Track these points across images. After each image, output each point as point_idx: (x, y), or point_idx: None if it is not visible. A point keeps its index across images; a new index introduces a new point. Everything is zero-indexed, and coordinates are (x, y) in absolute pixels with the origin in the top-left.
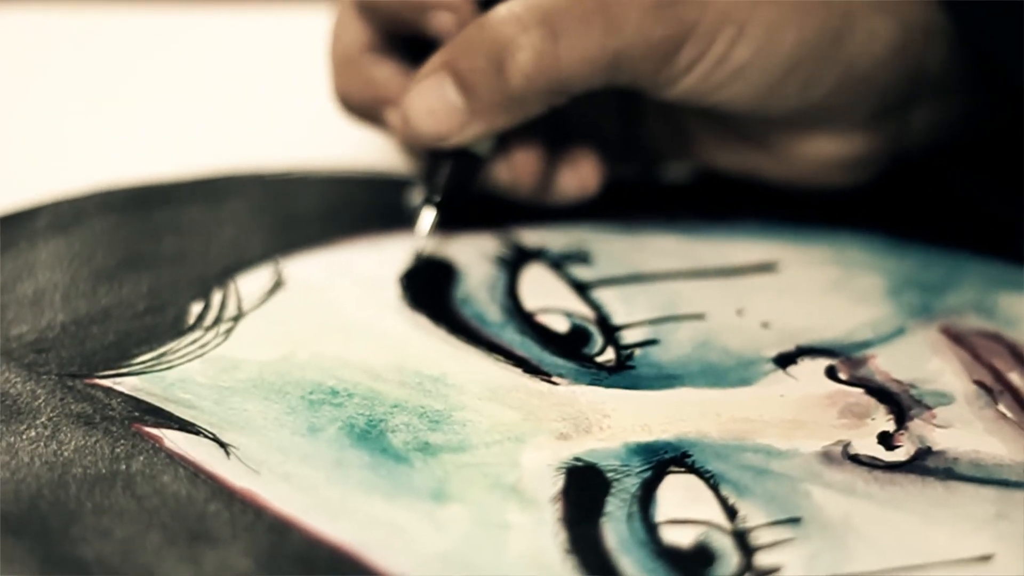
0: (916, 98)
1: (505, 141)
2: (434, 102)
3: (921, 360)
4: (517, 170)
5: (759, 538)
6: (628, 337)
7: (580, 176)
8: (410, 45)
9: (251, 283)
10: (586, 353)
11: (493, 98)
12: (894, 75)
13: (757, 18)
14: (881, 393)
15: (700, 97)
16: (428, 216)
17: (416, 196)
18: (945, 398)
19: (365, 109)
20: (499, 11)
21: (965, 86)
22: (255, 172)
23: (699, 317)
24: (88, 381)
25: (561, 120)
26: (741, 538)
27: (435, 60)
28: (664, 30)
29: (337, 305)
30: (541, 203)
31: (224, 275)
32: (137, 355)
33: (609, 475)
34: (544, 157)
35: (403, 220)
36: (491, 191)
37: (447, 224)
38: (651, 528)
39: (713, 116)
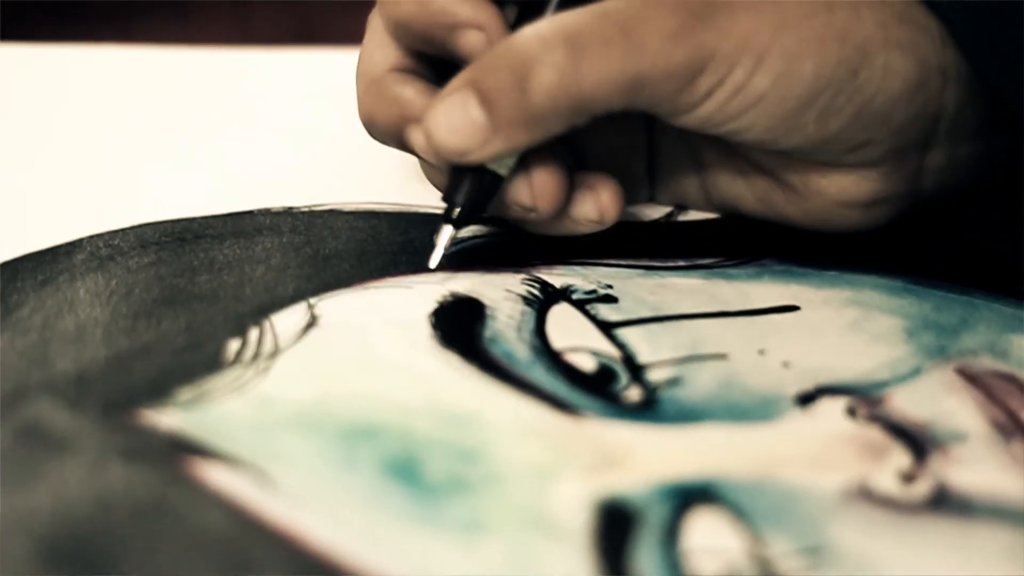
0: (932, 140)
1: (526, 162)
2: (457, 118)
3: (938, 400)
4: (536, 189)
5: (782, 573)
6: (653, 375)
7: (599, 204)
8: (438, 69)
9: (285, 321)
10: (612, 391)
11: (515, 115)
12: (910, 113)
13: (776, 48)
14: (899, 431)
15: (718, 125)
16: (446, 232)
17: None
18: (961, 437)
19: (389, 128)
20: (524, 32)
21: (981, 130)
22: (286, 208)
23: (722, 357)
24: (132, 416)
25: (580, 155)
26: (765, 573)
27: (460, 78)
28: (684, 56)
29: (370, 343)
30: (559, 232)
31: (259, 313)
32: (178, 391)
33: (637, 509)
34: (564, 180)
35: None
36: (510, 216)
37: (474, 264)
38: (678, 562)
39: (731, 151)
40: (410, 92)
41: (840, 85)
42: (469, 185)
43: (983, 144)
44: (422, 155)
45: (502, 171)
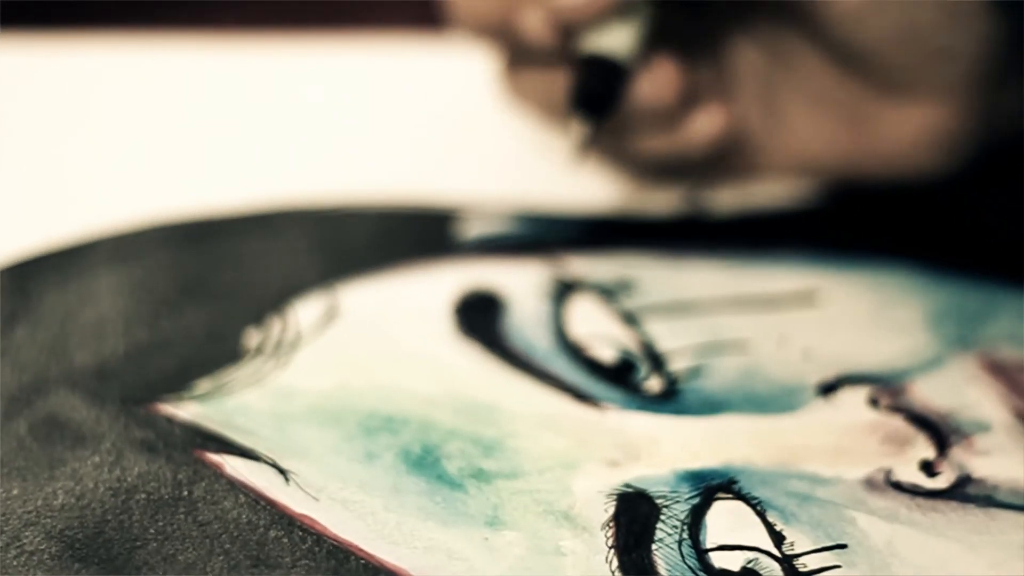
0: (1009, 75)
1: (645, 61)
2: None
3: (959, 389)
4: (658, 81)
5: (806, 564)
6: (674, 366)
7: (712, 116)
8: None
9: (306, 313)
10: (633, 381)
11: None
12: (989, 27)
13: None
14: (921, 421)
15: None
16: (578, 129)
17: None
18: (984, 427)
19: (494, 17)
20: None
21: None
22: (307, 205)
23: (743, 346)
24: (150, 408)
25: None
26: (788, 564)
27: None
28: None
29: (391, 335)
30: (672, 148)
31: (280, 305)
32: (198, 383)
33: (659, 501)
34: (683, 77)
35: (452, 251)
36: (633, 127)
37: (495, 255)
38: (701, 554)
39: (808, 89)
40: None
41: None
42: (596, 72)
43: None
44: (533, 36)
45: (625, 62)
